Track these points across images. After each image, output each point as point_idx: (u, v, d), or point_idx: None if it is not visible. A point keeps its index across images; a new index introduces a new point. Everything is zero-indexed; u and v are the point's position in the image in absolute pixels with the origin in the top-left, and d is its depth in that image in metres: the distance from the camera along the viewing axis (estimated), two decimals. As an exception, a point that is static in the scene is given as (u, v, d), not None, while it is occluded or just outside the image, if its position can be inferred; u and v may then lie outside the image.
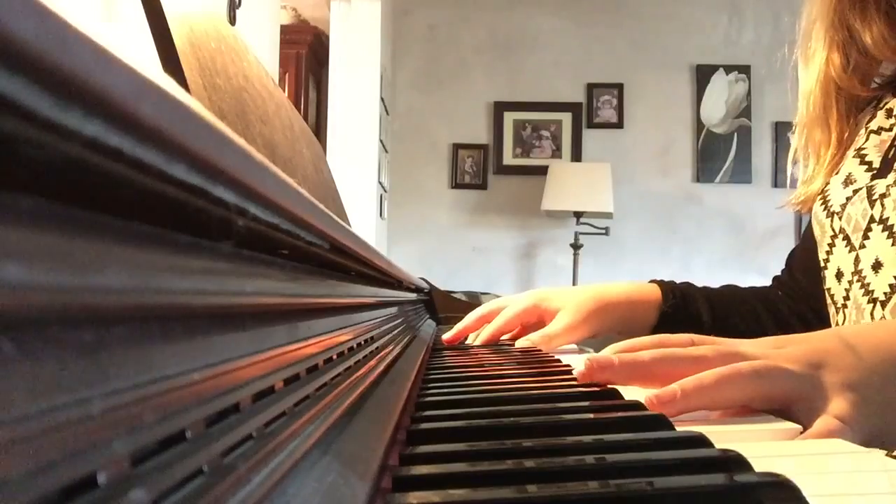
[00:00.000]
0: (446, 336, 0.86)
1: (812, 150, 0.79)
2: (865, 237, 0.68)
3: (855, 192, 0.70)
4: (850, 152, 0.75)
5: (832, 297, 0.75)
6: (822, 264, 0.77)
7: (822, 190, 0.77)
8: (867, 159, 0.72)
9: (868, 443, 0.41)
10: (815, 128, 0.79)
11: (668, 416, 0.36)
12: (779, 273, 0.93)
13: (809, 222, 0.82)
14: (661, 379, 0.43)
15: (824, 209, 0.75)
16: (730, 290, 0.91)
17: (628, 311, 0.84)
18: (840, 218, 0.72)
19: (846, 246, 0.71)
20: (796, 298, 0.87)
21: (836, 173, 0.75)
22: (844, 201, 0.72)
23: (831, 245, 0.74)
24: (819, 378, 0.42)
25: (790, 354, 0.44)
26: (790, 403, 0.42)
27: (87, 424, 0.11)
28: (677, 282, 0.89)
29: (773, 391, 0.41)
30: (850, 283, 0.71)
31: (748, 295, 0.90)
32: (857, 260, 0.69)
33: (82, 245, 0.11)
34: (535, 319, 0.84)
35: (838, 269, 0.73)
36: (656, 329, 0.84)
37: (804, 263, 0.86)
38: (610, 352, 0.50)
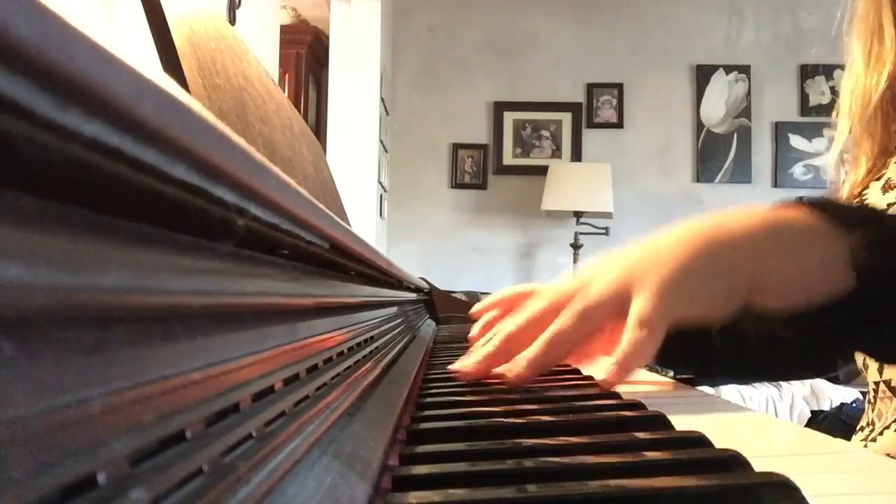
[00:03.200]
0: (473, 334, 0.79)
1: (863, 151, 0.78)
2: None
3: None
4: (894, 158, 0.75)
5: None
6: None
7: (860, 193, 0.76)
8: None
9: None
10: (866, 130, 0.77)
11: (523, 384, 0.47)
12: None
13: None
14: (516, 353, 0.49)
15: None
16: None
17: None
18: None
19: None
20: None
21: (878, 179, 0.75)
22: (885, 207, 0.71)
23: None
24: (627, 291, 0.49)
25: (605, 282, 0.51)
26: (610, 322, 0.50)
27: (86, 424, 0.11)
28: None
29: (594, 326, 0.49)
30: None
31: None
32: None
33: (82, 245, 0.11)
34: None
35: None
36: (669, 342, 0.82)
37: None
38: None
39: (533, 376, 0.47)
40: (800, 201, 0.54)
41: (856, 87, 0.77)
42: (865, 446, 0.67)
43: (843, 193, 0.79)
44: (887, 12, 0.74)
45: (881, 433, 0.67)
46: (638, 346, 0.46)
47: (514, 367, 0.48)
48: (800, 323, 0.53)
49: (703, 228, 0.51)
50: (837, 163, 0.81)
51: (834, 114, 0.81)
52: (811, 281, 0.50)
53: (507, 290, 0.79)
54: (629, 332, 0.47)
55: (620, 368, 0.46)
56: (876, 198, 0.73)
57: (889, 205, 0.70)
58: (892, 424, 0.66)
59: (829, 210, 0.52)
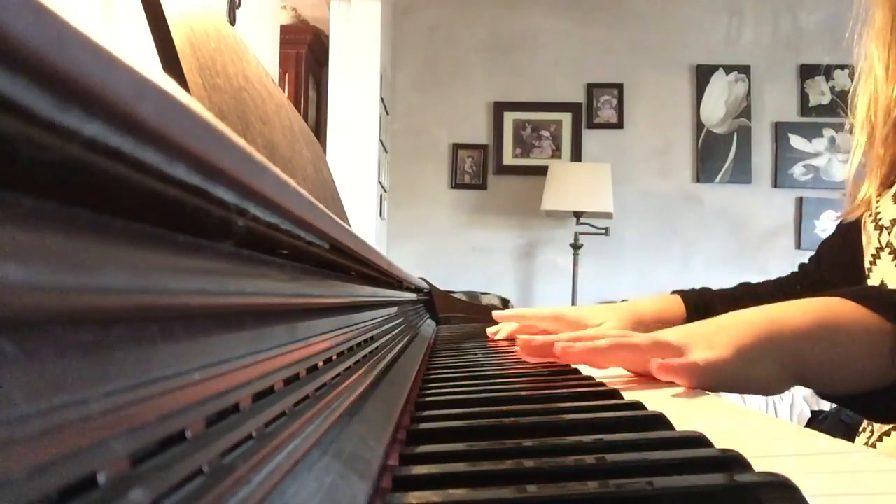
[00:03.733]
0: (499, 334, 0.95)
1: (879, 162, 0.78)
2: None
3: None
4: None
5: None
6: (866, 272, 0.78)
7: (872, 202, 0.77)
8: None
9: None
10: (883, 142, 0.77)
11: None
12: (791, 264, 0.94)
13: (851, 222, 0.82)
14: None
15: (873, 221, 0.76)
16: (748, 292, 0.91)
17: (658, 328, 0.85)
18: (889, 233, 0.73)
19: (893, 260, 0.72)
20: (818, 292, 0.87)
21: (890, 187, 0.75)
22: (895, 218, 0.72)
23: (875, 256, 0.75)
24: (686, 345, 0.55)
25: (665, 332, 0.58)
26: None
27: (87, 424, 0.11)
28: (696, 288, 0.93)
29: (641, 355, 0.54)
30: None
31: (766, 295, 0.89)
32: None
33: (82, 245, 0.11)
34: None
35: (882, 281, 0.74)
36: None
37: (835, 258, 0.86)
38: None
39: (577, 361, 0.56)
40: (849, 293, 0.59)
41: (875, 97, 0.77)
42: None
43: (858, 200, 0.79)
44: None
45: (880, 439, 0.68)
46: (680, 370, 0.51)
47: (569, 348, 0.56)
48: (850, 404, 0.59)
49: (761, 321, 0.57)
50: (856, 176, 0.81)
51: (847, 124, 0.81)
52: (858, 368, 0.56)
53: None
54: (682, 360, 0.52)
55: (662, 367, 0.51)
56: (887, 207, 0.73)
57: None
58: (893, 432, 0.67)
59: (876, 301, 0.57)
